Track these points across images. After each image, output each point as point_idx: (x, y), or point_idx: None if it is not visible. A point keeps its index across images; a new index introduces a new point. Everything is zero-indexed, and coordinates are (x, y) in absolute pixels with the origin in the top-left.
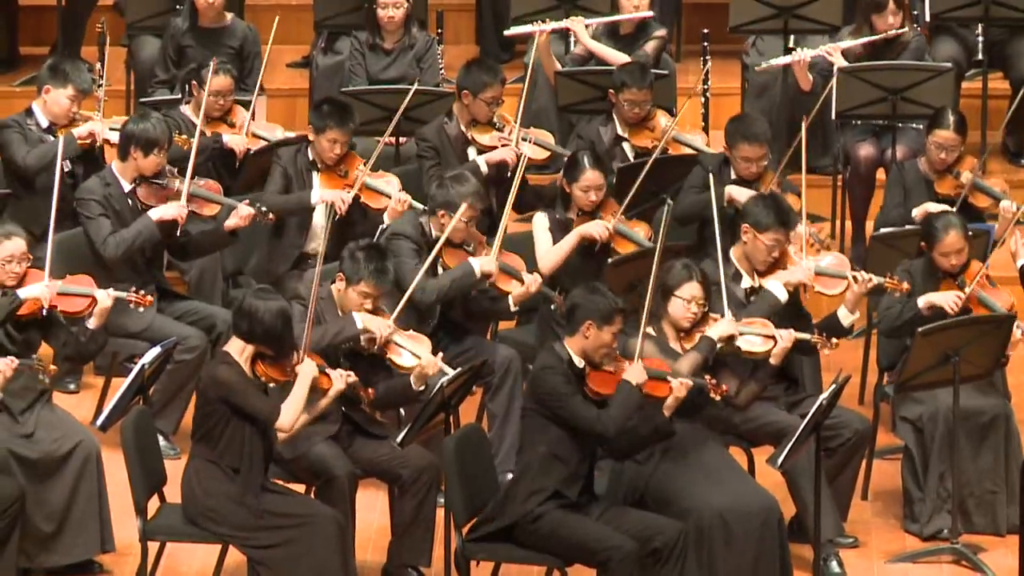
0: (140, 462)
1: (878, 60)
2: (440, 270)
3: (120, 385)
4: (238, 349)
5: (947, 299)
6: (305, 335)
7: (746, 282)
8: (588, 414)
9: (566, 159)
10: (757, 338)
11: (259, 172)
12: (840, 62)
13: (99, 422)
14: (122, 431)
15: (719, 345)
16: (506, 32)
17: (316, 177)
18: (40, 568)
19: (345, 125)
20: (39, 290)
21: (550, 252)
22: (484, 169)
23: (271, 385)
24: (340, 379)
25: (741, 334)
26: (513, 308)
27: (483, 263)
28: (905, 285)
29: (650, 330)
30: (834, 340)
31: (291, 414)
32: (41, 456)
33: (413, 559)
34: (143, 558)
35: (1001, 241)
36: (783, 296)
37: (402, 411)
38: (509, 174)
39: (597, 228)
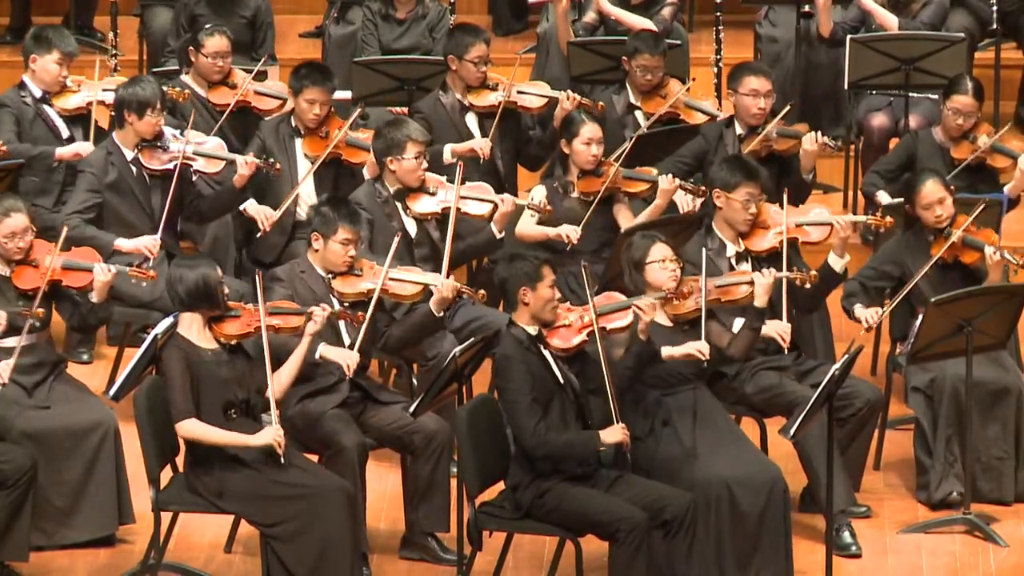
0: (153, 432)
1: (899, 14)
2: (408, 220)
3: (133, 355)
4: (187, 323)
5: (867, 315)
6: (261, 304)
7: (731, 250)
8: (528, 423)
9: (562, 120)
10: (736, 286)
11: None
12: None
13: (111, 392)
14: (134, 401)
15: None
16: (530, 1)
17: (299, 144)
18: (57, 545)
19: (323, 84)
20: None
21: (529, 228)
22: (448, 158)
23: (232, 343)
24: (317, 318)
25: (719, 286)
26: (499, 234)
27: (436, 301)
28: (888, 220)
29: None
30: (813, 272)
31: (190, 431)
32: (57, 431)
33: (431, 526)
34: (155, 528)
35: (1017, 199)
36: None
37: (414, 381)
38: (482, 161)
39: (569, 231)
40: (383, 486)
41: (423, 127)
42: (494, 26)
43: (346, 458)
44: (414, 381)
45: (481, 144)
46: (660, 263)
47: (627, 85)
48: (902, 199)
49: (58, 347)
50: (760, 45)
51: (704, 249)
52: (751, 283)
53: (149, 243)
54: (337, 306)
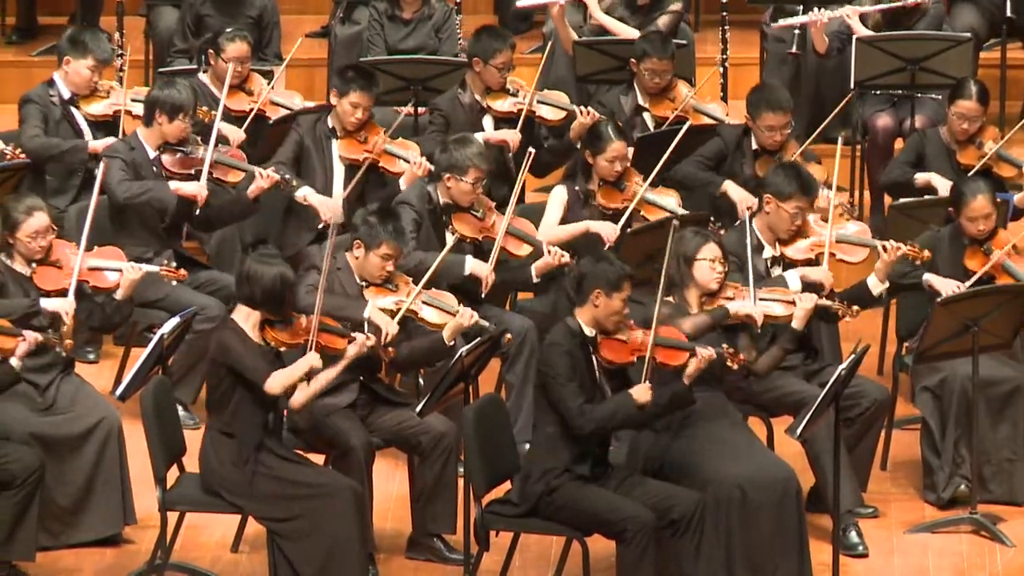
0: (159, 432)
1: (895, 27)
2: (448, 236)
3: (139, 355)
4: (244, 316)
5: (947, 287)
6: (317, 305)
7: (768, 252)
8: (572, 404)
9: (588, 131)
10: (778, 304)
11: (277, 141)
12: (858, 26)
13: (118, 392)
14: (141, 401)
15: (732, 320)
16: (518, 4)
17: (335, 144)
18: (63, 544)
19: (369, 89)
20: (61, 304)
21: (553, 229)
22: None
23: (282, 349)
24: (358, 343)
25: (762, 300)
26: (535, 279)
27: (475, 266)
28: (926, 253)
29: (670, 299)
30: (855, 308)
31: (280, 381)
32: (63, 432)
33: (438, 527)
34: (162, 528)
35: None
36: (796, 286)
37: (421, 380)
38: (511, 154)
39: (606, 230)
40: (390, 486)
41: (441, 124)
42: (500, 25)
43: (353, 458)
44: (420, 381)
45: (513, 137)
46: (710, 262)
47: (635, 86)
48: (947, 195)
49: None
50: (766, 44)
51: (752, 274)
52: (792, 303)
53: (198, 190)
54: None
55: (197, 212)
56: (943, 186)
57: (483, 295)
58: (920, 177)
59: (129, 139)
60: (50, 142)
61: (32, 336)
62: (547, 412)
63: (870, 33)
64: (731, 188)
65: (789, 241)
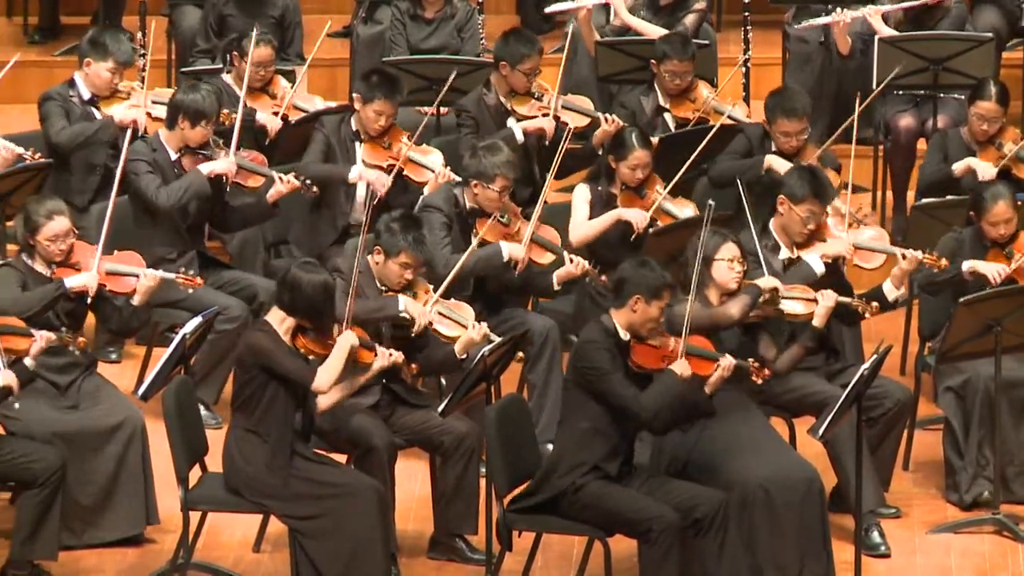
0: (181, 432)
1: (918, 26)
2: (473, 240)
3: (161, 355)
4: (278, 320)
5: (991, 270)
6: (348, 306)
7: (784, 253)
8: (626, 392)
9: (613, 136)
10: (798, 302)
11: (299, 142)
12: (880, 26)
13: (140, 392)
14: (163, 401)
15: (764, 296)
16: (546, 9)
17: (359, 148)
18: (86, 544)
19: (393, 97)
20: (86, 279)
21: (583, 226)
22: (520, 138)
23: (311, 358)
24: (384, 357)
25: (783, 297)
26: (556, 287)
27: (512, 249)
28: (943, 262)
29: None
30: (874, 304)
31: (326, 377)
32: (86, 431)
33: (459, 527)
34: (184, 528)
35: None
36: (819, 269)
37: (443, 380)
38: (547, 143)
39: (636, 216)
40: (412, 486)
41: (472, 126)
42: (522, 25)
43: (376, 458)
44: (443, 381)
45: (548, 124)
46: (728, 262)
47: (655, 87)
48: (969, 197)
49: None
50: (789, 45)
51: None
52: (813, 301)
53: (228, 167)
54: None
55: (226, 187)
56: (983, 169)
57: (517, 273)
58: (958, 166)
59: (151, 140)
60: (76, 130)
61: (45, 335)
62: (580, 408)
63: (893, 33)
64: (776, 161)
65: (805, 244)
